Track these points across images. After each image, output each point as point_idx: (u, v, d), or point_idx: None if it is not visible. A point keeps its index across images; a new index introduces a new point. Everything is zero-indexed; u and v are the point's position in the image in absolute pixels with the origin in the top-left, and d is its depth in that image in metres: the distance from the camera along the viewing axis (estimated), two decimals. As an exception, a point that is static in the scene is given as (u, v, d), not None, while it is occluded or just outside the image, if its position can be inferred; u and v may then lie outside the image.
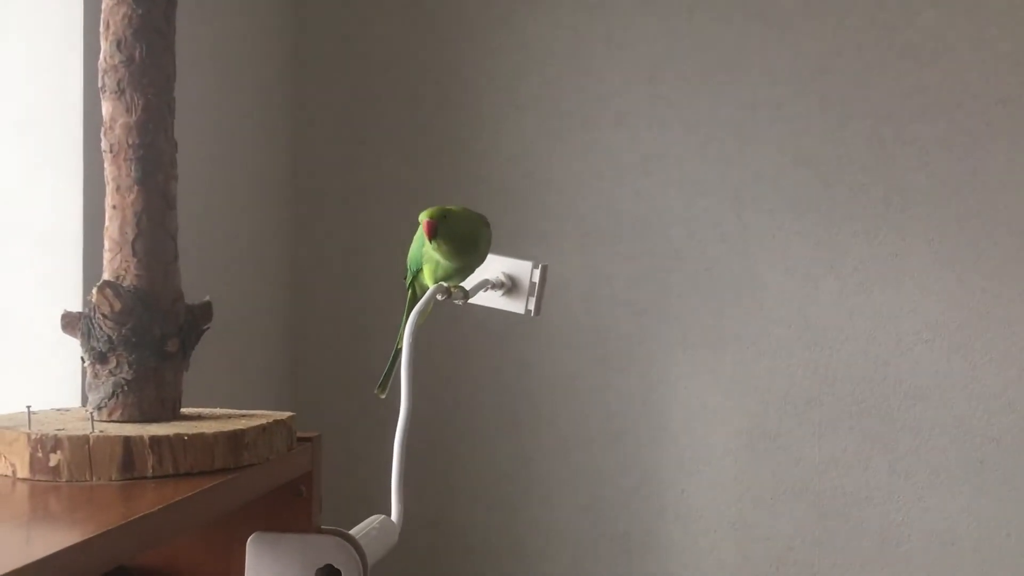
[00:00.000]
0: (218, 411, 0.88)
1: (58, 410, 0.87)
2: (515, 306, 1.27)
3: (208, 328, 0.86)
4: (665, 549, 1.89)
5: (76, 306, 1.37)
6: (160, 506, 0.67)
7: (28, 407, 0.79)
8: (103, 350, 0.81)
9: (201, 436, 0.77)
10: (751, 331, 1.89)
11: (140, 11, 0.82)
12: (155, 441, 0.75)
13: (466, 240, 1.12)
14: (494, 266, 1.26)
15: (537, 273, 1.26)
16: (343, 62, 1.99)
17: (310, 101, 2.00)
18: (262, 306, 1.91)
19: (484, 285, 1.25)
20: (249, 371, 1.87)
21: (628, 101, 1.92)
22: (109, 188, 0.83)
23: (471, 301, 1.20)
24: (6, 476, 0.75)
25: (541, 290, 1.26)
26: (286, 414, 0.87)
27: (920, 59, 1.86)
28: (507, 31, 1.94)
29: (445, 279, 1.14)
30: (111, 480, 0.74)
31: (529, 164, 1.95)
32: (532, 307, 1.26)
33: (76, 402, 1.37)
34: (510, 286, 1.27)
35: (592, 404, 1.92)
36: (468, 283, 1.21)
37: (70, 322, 0.82)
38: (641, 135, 1.92)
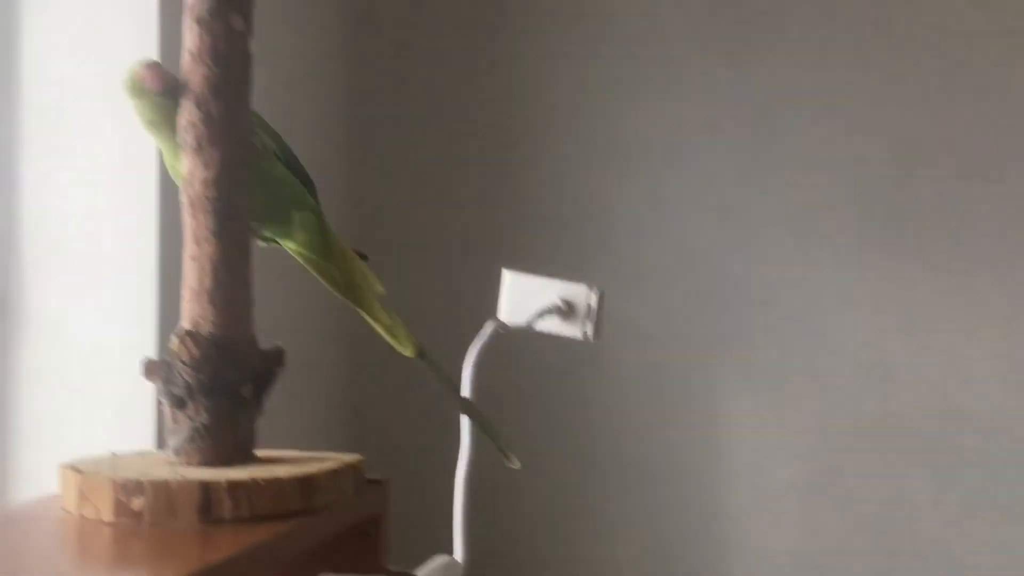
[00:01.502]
0: (289, 453, 0.91)
1: (139, 453, 0.90)
2: (572, 331, 1.26)
3: (280, 373, 0.89)
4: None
5: (149, 350, 1.42)
6: (238, 550, 0.69)
7: (113, 453, 0.82)
8: (182, 396, 0.84)
9: (275, 480, 0.79)
10: (815, 366, 1.87)
11: (218, 71, 0.85)
12: (232, 486, 0.78)
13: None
14: (551, 290, 1.26)
15: (594, 297, 1.25)
16: (401, 95, 2.03)
17: (369, 149, 2.04)
18: (325, 345, 1.95)
19: (543, 312, 1.25)
20: (311, 410, 1.90)
21: (684, 134, 1.93)
22: (187, 239, 0.87)
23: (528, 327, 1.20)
24: (91, 519, 0.78)
25: (599, 314, 1.25)
26: (355, 457, 0.90)
27: (985, 91, 1.84)
28: (565, 66, 1.97)
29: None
30: (191, 524, 0.76)
31: (585, 198, 1.96)
32: (590, 331, 1.25)
33: (151, 443, 1.41)
34: (567, 311, 1.26)
35: (653, 442, 1.91)
36: (526, 312, 1.21)
37: (151, 369, 0.85)
38: (697, 167, 1.92)
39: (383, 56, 2.04)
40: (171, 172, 0.90)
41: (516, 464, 1.03)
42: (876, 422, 1.85)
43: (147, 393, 1.42)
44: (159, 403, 0.86)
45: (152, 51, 1.42)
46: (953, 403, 1.83)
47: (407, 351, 0.97)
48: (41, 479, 1.44)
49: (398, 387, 2.02)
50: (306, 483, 0.81)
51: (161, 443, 1.45)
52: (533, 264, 1.99)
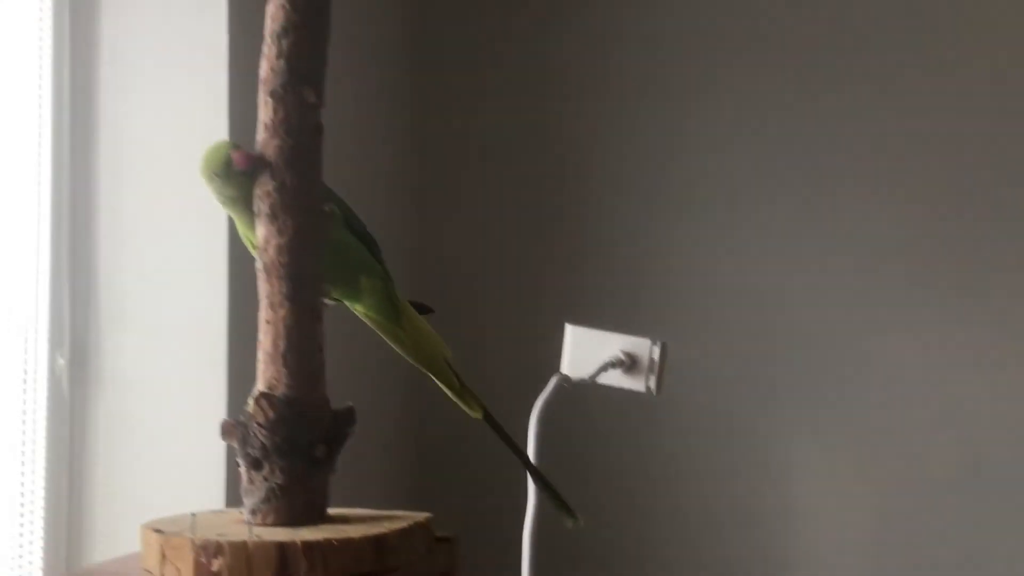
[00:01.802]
0: (360, 512, 0.93)
1: (215, 512, 0.93)
2: (635, 384, 1.27)
3: (352, 432, 0.91)
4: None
5: (219, 405, 1.46)
6: (315, 612, 0.71)
7: (193, 514, 0.85)
8: (258, 457, 0.86)
9: (349, 541, 0.81)
10: (885, 410, 1.84)
11: (291, 142, 0.89)
12: (307, 547, 0.79)
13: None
14: (613, 344, 1.26)
15: (657, 350, 1.25)
16: (463, 149, 2.06)
17: (433, 204, 2.07)
18: (389, 400, 1.97)
19: (605, 366, 1.25)
20: (375, 466, 1.92)
21: (743, 176, 1.93)
22: (263, 304, 0.89)
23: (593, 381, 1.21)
24: (172, 579, 0.80)
25: (662, 367, 1.26)
26: (424, 515, 0.91)
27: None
28: (624, 116, 1.98)
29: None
30: (268, 584, 0.78)
31: (647, 243, 1.97)
32: (652, 385, 1.25)
33: (221, 495, 1.44)
34: (629, 364, 1.26)
35: (718, 489, 1.90)
36: (588, 365, 1.22)
37: (228, 430, 0.88)
38: (757, 210, 1.92)
39: (448, 110, 2.08)
40: (245, 242, 0.93)
41: (578, 523, 1.03)
42: (950, 467, 1.81)
43: (217, 447, 1.46)
44: (237, 462, 0.88)
45: (222, 121, 1.48)
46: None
47: (475, 413, 0.98)
48: (114, 528, 1.48)
49: (462, 443, 2.03)
50: (379, 543, 0.83)
51: (230, 494, 1.48)
52: (595, 311, 2.00)
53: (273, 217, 0.88)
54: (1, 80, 1.40)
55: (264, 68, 0.90)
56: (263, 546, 0.79)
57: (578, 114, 2.01)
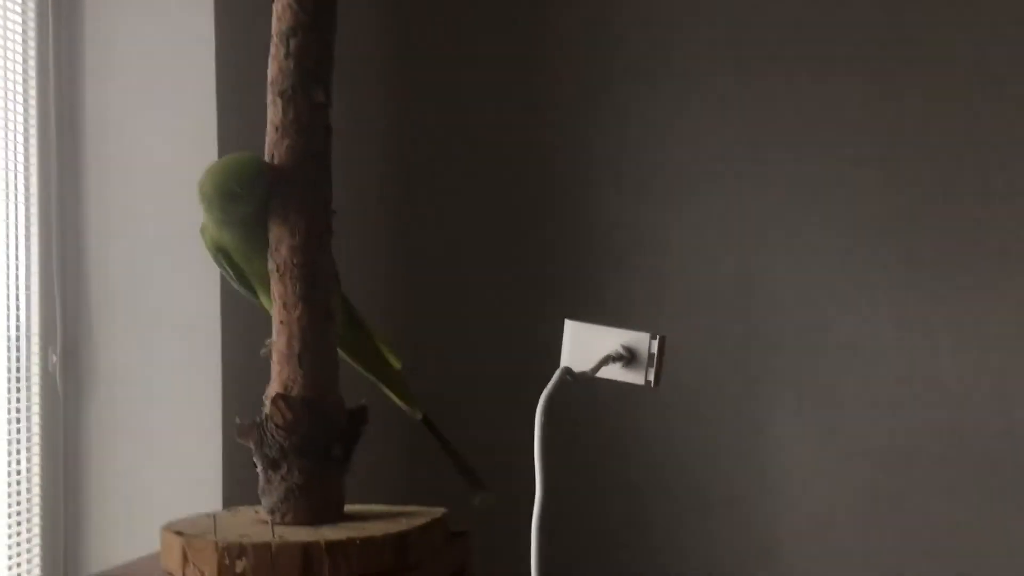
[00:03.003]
0: (376, 508, 0.93)
1: (232, 512, 0.93)
2: (634, 378, 1.29)
3: (365, 430, 0.92)
4: (789, 618, 1.88)
5: (214, 402, 1.45)
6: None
7: (213, 514, 0.85)
8: (275, 457, 0.86)
9: (371, 539, 0.82)
10: (869, 390, 1.87)
11: (302, 142, 0.89)
12: (331, 546, 0.80)
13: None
14: (612, 339, 1.28)
15: (655, 344, 1.27)
16: (447, 146, 2.06)
17: (420, 188, 2.07)
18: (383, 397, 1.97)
19: (606, 360, 1.28)
20: (372, 459, 1.92)
21: (731, 164, 1.94)
22: (276, 305, 0.90)
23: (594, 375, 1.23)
24: (196, 581, 0.81)
25: (660, 361, 1.28)
26: (440, 511, 0.92)
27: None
28: (608, 100, 1.99)
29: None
30: (292, 584, 0.79)
31: (635, 232, 1.98)
32: (651, 378, 1.28)
33: (218, 492, 1.44)
34: (628, 358, 1.29)
35: (708, 470, 1.92)
36: (588, 359, 1.23)
37: (244, 431, 0.88)
38: (745, 197, 1.94)
39: (435, 102, 2.07)
40: (237, 284, 0.93)
41: (490, 498, 1.03)
42: (935, 444, 1.84)
43: (212, 443, 1.46)
44: (253, 463, 0.88)
45: (211, 117, 1.47)
46: (1015, 423, 1.82)
47: (416, 415, 1.01)
48: (110, 526, 1.47)
49: (459, 427, 2.04)
50: (400, 540, 0.84)
51: (227, 490, 1.48)
52: (586, 299, 2.01)
53: (285, 218, 0.89)
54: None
55: (272, 69, 0.90)
56: (287, 547, 0.80)
57: (569, 104, 2.02)
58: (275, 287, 0.89)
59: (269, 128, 0.90)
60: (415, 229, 2.08)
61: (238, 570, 0.79)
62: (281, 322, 0.89)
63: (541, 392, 1.24)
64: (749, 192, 1.94)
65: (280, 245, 0.89)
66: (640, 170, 1.99)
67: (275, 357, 0.89)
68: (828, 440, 1.89)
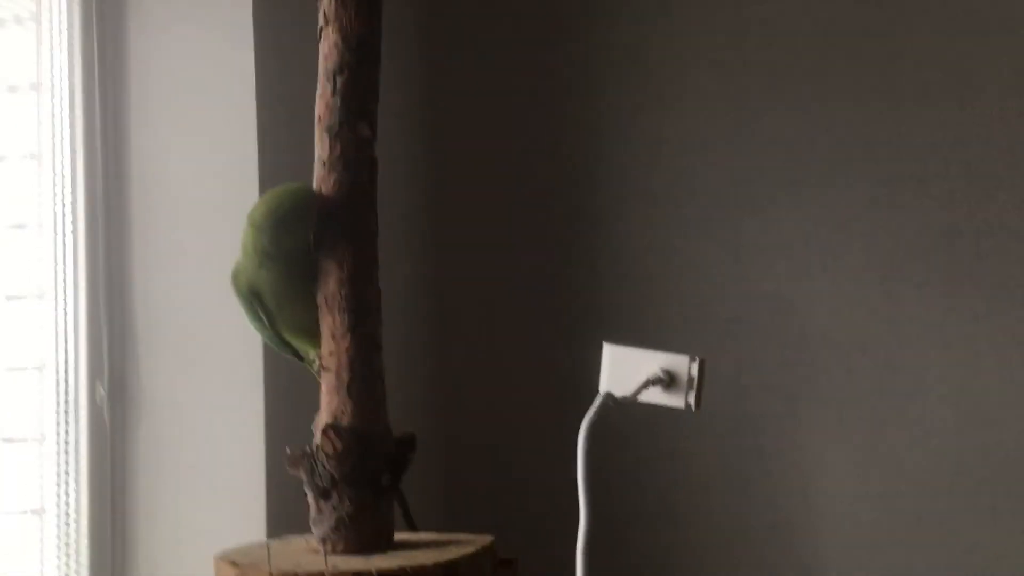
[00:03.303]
0: (424, 536, 0.94)
1: (282, 540, 0.94)
2: (675, 401, 1.29)
3: (413, 459, 0.93)
4: (834, 645, 1.86)
5: (257, 430, 1.47)
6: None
7: (268, 544, 0.87)
8: (326, 487, 0.88)
9: (422, 568, 0.83)
10: (911, 412, 1.86)
11: (349, 177, 0.91)
12: (383, 575, 0.81)
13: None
14: (652, 362, 1.29)
15: (695, 367, 1.27)
16: (486, 169, 2.08)
17: (453, 229, 2.09)
18: (417, 414, 1.98)
19: (646, 384, 1.28)
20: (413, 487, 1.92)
21: (764, 185, 1.95)
22: (325, 336, 0.91)
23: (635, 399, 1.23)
24: (251, 610, 0.82)
25: (700, 383, 1.28)
26: (488, 538, 0.93)
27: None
28: (640, 122, 2.00)
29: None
30: (345, 612, 0.80)
31: (668, 253, 1.99)
32: (692, 401, 1.28)
33: (262, 520, 1.45)
34: (668, 381, 1.29)
35: (749, 494, 1.91)
36: (626, 383, 1.24)
37: (295, 461, 0.89)
38: (780, 218, 1.94)
39: (464, 120, 2.09)
40: (266, 336, 0.95)
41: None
42: (977, 467, 1.83)
43: (257, 470, 1.47)
44: (305, 492, 0.90)
45: (251, 146, 1.50)
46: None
47: None
48: (158, 558, 1.49)
49: (493, 461, 2.05)
50: (450, 569, 0.85)
51: (271, 517, 1.50)
52: (623, 325, 2.01)
53: (333, 250, 0.90)
54: (31, 111, 1.41)
55: (320, 106, 0.92)
56: None
57: (601, 128, 2.03)
58: (324, 319, 0.91)
59: (316, 163, 0.92)
60: (446, 255, 2.09)
61: (292, 599, 0.80)
62: (330, 353, 0.91)
63: (579, 417, 1.25)
64: (785, 214, 1.94)
65: (328, 278, 0.91)
66: (674, 193, 1.99)
67: (324, 387, 0.91)
68: (871, 462, 1.88)
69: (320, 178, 0.91)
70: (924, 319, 1.87)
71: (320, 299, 0.91)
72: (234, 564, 0.84)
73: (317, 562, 0.84)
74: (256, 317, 0.93)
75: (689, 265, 1.97)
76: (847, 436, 1.89)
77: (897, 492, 1.86)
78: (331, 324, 0.91)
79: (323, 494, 0.88)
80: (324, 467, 0.88)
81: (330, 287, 0.91)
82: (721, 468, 1.93)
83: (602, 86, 2.03)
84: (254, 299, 0.92)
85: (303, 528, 1.02)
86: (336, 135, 0.91)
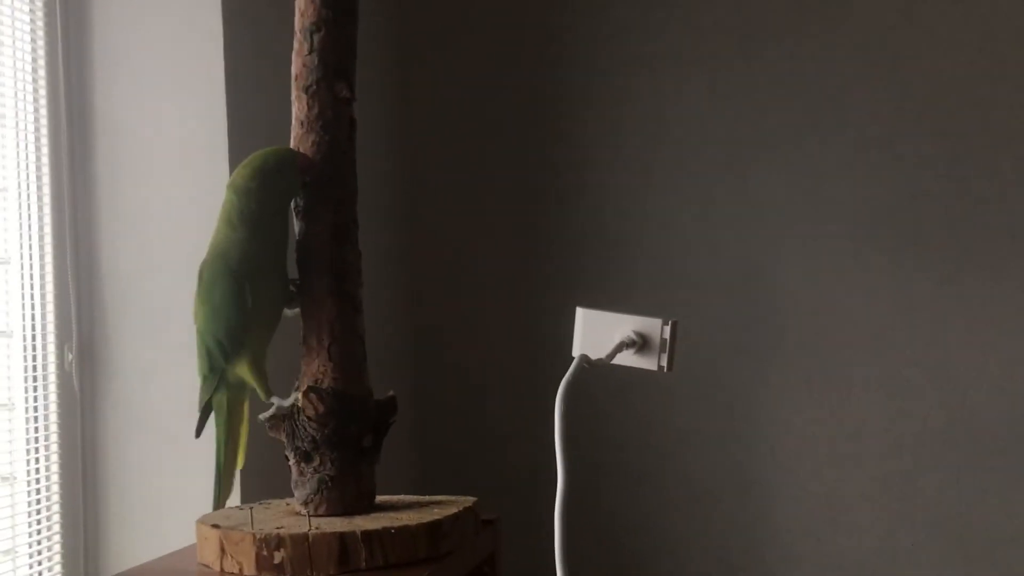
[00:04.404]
0: (407, 498, 0.94)
1: (263, 504, 0.94)
2: (647, 363, 1.30)
3: (394, 421, 0.93)
4: (800, 600, 1.90)
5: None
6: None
7: (251, 506, 0.86)
8: (308, 449, 0.87)
9: (406, 529, 0.83)
10: (879, 373, 1.89)
11: (327, 137, 0.89)
12: (367, 536, 0.81)
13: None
14: (625, 325, 1.30)
15: (667, 329, 1.29)
16: (454, 132, 2.07)
17: (427, 194, 2.07)
18: (391, 378, 1.98)
19: (620, 346, 1.29)
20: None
21: (735, 146, 1.95)
22: (305, 299, 0.90)
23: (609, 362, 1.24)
24: (234, 574, 0.82)
25: (672, 346, 1.29)
26: (470, 500, 0.93)
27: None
28: (610, 81, 1.99)
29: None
30: (329, 574, 0.80)
31: (639, 219, 1.99)
32: (664, 363, 1.29)
33: (237, 488, 1.44)
34: (641, 344, 1.30)
35: (719, 456, 1.94)
36: (600, 346, 1.24)
37: (275, 424, 0.89)
38: (749, 181, 1.95)
39: (440, 85, 2.08)
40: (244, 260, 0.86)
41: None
42: (944, 426, 1.86)
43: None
44: (286, 458, 0.89)
45: (220, 108, 1.47)
46: (1021, 404, 1.84)
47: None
48: (130, 523, 1.48)
49: (464, 432, 2.05)
50: (433, 529, 0.85)
51: (244, 485, 1.49)
52: (591, 287, 2.02)
53: (312, 211, 0.89)
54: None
55: (296, 64, 0.90)
56: (324, 537, 0.80)
57: (570, 91, 2.03)
58: (303, 281, 0.90)
59: (294, 123, 0.90)
60: (419, 224, 2.09)
61: (276, 561, 0.80)
62: (309, 316, 0.90)
63: (548, 379, 1.25)
64: (754, 177, 1.95)
65: (308, 239, 0.90)
66: (642, 157, 2.00)
67: (304, 350, 0.90)
68: (838, 424, 1.91)
69: (297, 138, 0.90)
70: (893, 281, 1.89)
71: (298, 261, 0.90)
72: (217, 527, 0.84)
73: (301, 524, 0.84)
74: (241, 299, 0.85)
75: (657, 228, 1.98)
76: (815, 398, 1.92)
77: (864, 453, 1.90)
78: (308, 286, 0.90)
79: (305, 457, 0.88)
80: (306, 430, 0.87)
81: (309, 249, 0.90)
82: (691, 430, 1.96)
83: (572, 45, 2.02)
84: (244, 278, 0.85)
85: (275, 494, 1.01)
86: (314, 95, 0.89)
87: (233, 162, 1.48)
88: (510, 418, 1.99)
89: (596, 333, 1.32)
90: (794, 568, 1.91)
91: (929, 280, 1.88)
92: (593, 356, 1.30)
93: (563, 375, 1.31)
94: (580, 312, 1.32)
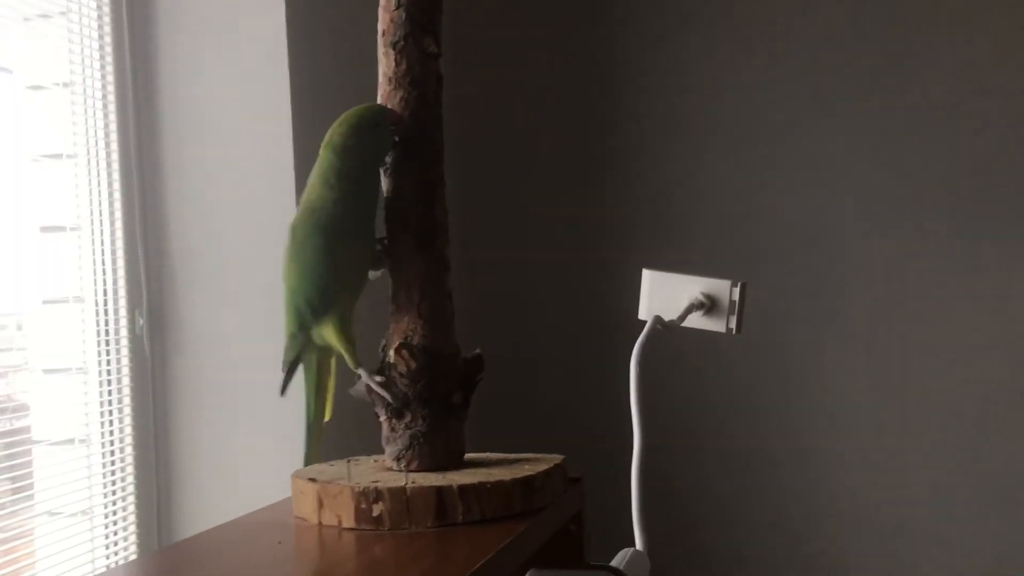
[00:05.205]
0: (494, 456, 0.95)
1: (352, 461, 0.94)
2: (715, 325, 1.29)
3: (482, 378, 0.93)
4: (863, 569, 1.89)
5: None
6: (487, 555, 0.73)
7: (348, 460, 0.87)
8: (399, 406, 0.88)
9: (501, 483, 0.83)
10: (941, 338, 1.87)
11: (416, 93, 0.89)
12: (463, 490, 0.81)
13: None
14: (693, 287, 1.29)
15: (736, 291, 1.28)
16: (509, 96, 2.06)
17: (477, 149, 2.07)
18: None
19: (690, 308, 1.28)
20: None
21: (793, 111, 1.93)
22: (392, 257, 0.90)
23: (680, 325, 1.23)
24: (332, 527, 0.82)
25: (741, 308, 1.28)
26: (559, 457, 0.93)
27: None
28: (663, 51, 1.98)
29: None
30: (427, 527, 0.80)
31: (696, 182, 1.98)
32: (733, 325, 1.28)
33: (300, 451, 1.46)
34: (709, 306, 1.29)
35: (775, 422, 1.93)
36: (667, 309, 1.24)
37: (366, 392, 0.89)
38: (808, 144, 1.93)
39: (489, 57, 2.07)
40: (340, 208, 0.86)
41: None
42: (1011, 390, 1.84)
43: (297, 401, 1.48)
44: (377, 415, 0.90)
45: (283, 79, 1.48)
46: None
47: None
48: (203, 486, 1.50)
49: (512, 375, 2.06)
50: (527, 485, 0.85)
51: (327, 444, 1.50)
52: (649, 251, 2.01)
53: (401, 168, 0.89)
54: (62, 37, 1.39)
55: (383, 20, 0.90)
56: (421, 491, 0.81)
57: (627, 56, 2.01)
58: (392, 240, 0.90)
59: (381, 80, 0.90)
60: (476, 186, 2.08)
61: (375, 514, 0.81)
62: (396, 273, 0.90)
63: (614, 343, 1.25)
64: (813, 141, 1.93)
65: (397, 196, 0.89)
66: (702, 119, 1.98)
67: (393, 308, 0.90)
68: (899, 390, 1.89)
69: (385, 94, 0.89)
70: (956, 245, 1.87)
71: (386, 219, 0.90)
72: (314, 480, 0.84)
73: (397, 478, 0.84)
74: (333, 258, 0.84)
75: (719, 194, 1.96)
76: (875, 363, 1.90)
77: (924, 419, 1.88)
78: (396, 244, 0.90)
79: (397, 413, 0.88)
80: (398, 386, 0.87)
81: (396, 206, 0.90)
82: (748, 395, 1.95)
83: (632, 6, 2.00)
84: (337, 236, 0.84)
85: (347, 455, 1.01)
86: (401, 50, 0.89)
87: (296, 127, 1.48)
88: (577, 385, 1.99)
89: (663, 295, 1.31)
90: (854, 536, 1.90)
91: (993, 243, 1.86)
92: (669, 317, 1.29)
93: (621, 339, 1.30)
94: (647, 274, 1.32)
